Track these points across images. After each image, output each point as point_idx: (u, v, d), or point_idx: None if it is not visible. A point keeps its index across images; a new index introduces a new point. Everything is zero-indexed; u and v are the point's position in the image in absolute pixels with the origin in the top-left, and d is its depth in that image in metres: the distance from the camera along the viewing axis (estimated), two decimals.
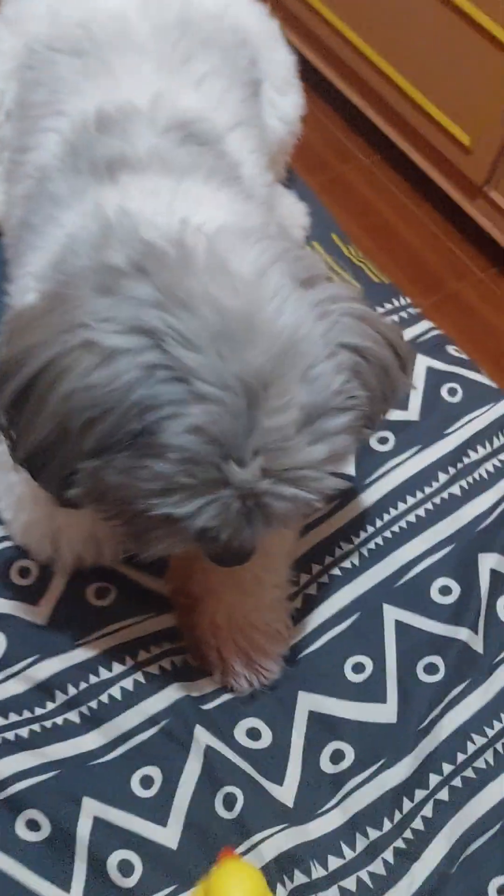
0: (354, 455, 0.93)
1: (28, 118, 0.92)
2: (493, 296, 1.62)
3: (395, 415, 0.97)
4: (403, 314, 1.09)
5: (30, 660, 0.80)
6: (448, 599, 0.88)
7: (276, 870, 0.72)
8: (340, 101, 1.75)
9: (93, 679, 0.80)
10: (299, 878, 0.73)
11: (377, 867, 0.75)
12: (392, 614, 0.87)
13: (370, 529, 0.91)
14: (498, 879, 0.75)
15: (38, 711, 0.78)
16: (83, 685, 0.79)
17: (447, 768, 0.80)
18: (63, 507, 0.70)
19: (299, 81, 1.08)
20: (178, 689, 0.80)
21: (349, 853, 0.76)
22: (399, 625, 0.86)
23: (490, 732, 0.81)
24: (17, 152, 0.93)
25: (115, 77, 0.87)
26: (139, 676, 0.80)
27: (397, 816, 0.78)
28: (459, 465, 0.95)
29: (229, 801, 0.75)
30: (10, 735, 0.76)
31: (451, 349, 1.06)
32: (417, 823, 0.78)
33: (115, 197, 0.73)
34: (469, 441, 0.97)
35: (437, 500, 0.93)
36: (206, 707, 0.80)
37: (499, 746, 0.81)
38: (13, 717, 0.78)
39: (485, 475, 0.95)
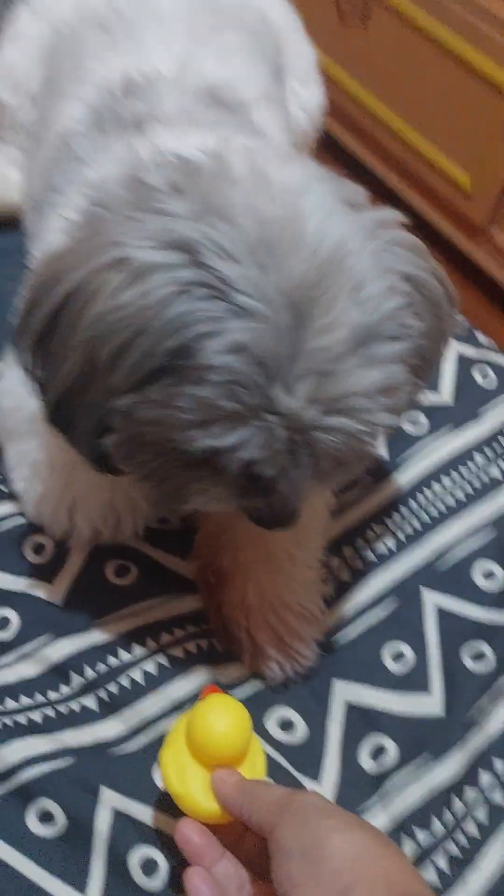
0: (385, 437, 0.89)
1: (50, 90, 0.90)
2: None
3: (427, 398, 0.93)
4: None
5: (43, 639, 0.73)
6: (492, 584, 0.82)
7: None
8: (337, 146, 1.76)
9: (112, 661, 0.73)
10: None
11: (429, 874, 0.67)
12: (432, 599, 0.81)
13: (405, 512, 0.86)
14: None
15: (52, 696, 0.71)
16: (102, 667, 0.72)
17: (500, 765, 0.73)
18: (96, 469, 0.64)
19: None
20: (205, 674, 0.73)
21: None
22: (440, 611, 0.80)
23: None
24: (39, 126, 0.92)
25: (140, 47, 0.85)
26: (162, 659, 0.73)
27: (448, 817, 0.70)
28: (496, 447, 0.90)
29: None
30: (21, 718, 0.69)
31: (481, 337, 1.02)
32: (471, 827, 0.70)
33: (145, 143, 0.70)
34: None
35: (475, 482, 0.88)
36: (235, 694, 0.73)
37: None
38: (25, 701, 0.70)
39: None
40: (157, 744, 0.68)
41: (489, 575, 0.82)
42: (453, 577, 0.82)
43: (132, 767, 0.68)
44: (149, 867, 0.64)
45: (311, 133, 1.08)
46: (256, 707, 0.73)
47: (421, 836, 0.69)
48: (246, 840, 0.60)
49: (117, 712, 0.71)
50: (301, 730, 0.73)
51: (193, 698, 0.72)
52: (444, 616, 0.80)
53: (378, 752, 0.72)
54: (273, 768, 0.69)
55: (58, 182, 0.78)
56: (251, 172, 0.56)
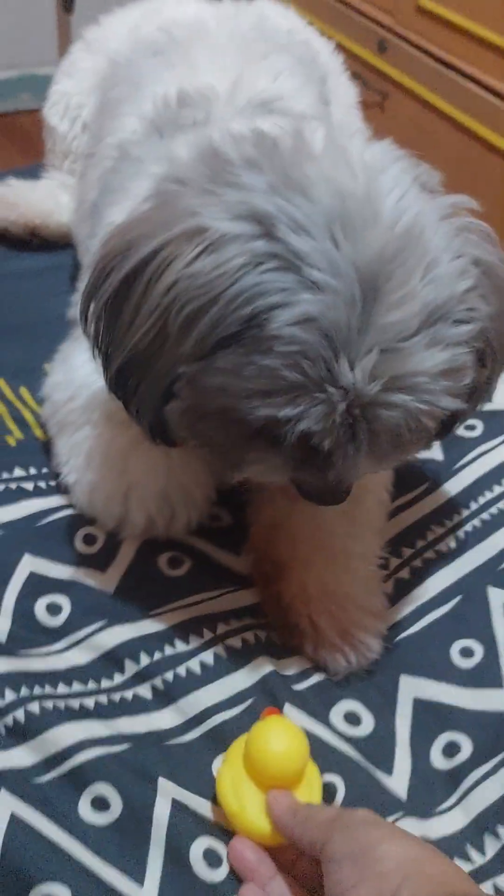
0: (441, 441, 0.87)
1: (106, 112, 0.93)
2: None
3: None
4: None
5: (96, 626, 0.70)
6: None
7: None
8: None
9: (168, 650, 0.69)
10: None
11: None
12: (499, 598, 0.77)
13: (465, 512, 0.83)
14: None
15: (106, 683, 0.67)
16: (157, 655, 0.69)
17: None
18: (151, 439, 0.64)
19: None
20: (265, 665, 0.69)
21: (478, 858, 0.62)
22: None
23: None
24: (92, 145, 0.94)
25: (194, 66, 0.88)
26: (220, 650, 0.70)
27: None
28: None
29: (328, 793, 0.63)
30: (73, 703, 0.65)
31: None
32: None
33: (213, 129, 0.71)
34: None
35: None
36: (296, 687, 0.69)
37: None
38: (77, 687, 0.66)
39: None
40: (214, 736, 0.65)
41: None
42: None
43: (189, 759, 0.64)
44: (212, 859, 0.58)
45: None
46: (320, 700, 0.69)
47: None
48: (299, 864, 0.58)
49: (173, 702, 0.66)
50: (368, 723, 0.68)
51: (253, 689, 0.68)
52: None
53: (451, 749, 0.67)
54: (342, 762, 0.65)
55: (117, 181, 0.80)
56: (331, 148, 0.57)
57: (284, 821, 0.58)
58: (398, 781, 0.65)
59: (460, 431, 0.89)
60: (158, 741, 0.64)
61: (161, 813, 0.60)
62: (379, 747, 0.67)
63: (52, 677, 0.67)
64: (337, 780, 0.64)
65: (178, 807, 0.60)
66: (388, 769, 0.66)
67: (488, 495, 0.84)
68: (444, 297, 0.55)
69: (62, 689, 0.66)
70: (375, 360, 0.52)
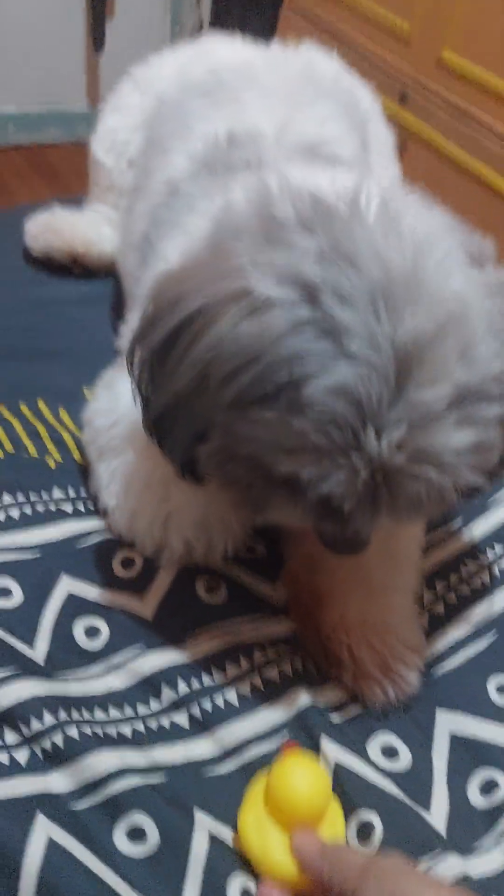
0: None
1: (154, 149, 0.96)
2: None
3: None
4: None
5: (134, 651, 0.70)
6: None
7: None
8: None
9: (206, 679, 0.69)
10: None
11: None
12: None
13: (498, 548, 0.84)
14: None
15: (142, 710, 0.67)
16: (195, 684, 0.69)
17: None
18: (179, 475, 0.65)
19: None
20: (301, 697, 0.69)
21: None
22: None
23: None
24: (140, 180, 0.97)
25: (242, 107, 0.91)
26: (256, 681, 0.70)
27: None
28: None
29: (364, 832, 0.63)
30: (111, 730, 0.65)
31: None
32: None
33: (270, 175, 0.72)
34: None
35: None
36: (333, 719, 0.69)
37: None
38: (114, 714, 0.66)
39: None
40: (251, 769, 0.65)
41: None
42: None
43: (226, 791, 0.63)
44: None
45: None
46: (357, 732, 0.69)
47: None
48: None
49: (209, 732, 0.66)
50: (405, 758, 0.68)
51: (290, 722, 0.68)
52: None
53: (489, 787, 0.67)
54: (380, 798, 0.64)
55: (170, 216, 0.82)
56: (383, 218, 0.57)
57: (313, 862, 0.57)
58: (437, 818, 0.65)
59: None
60: (195, 771, 0.64)
61: (199, 847, 0.60)
62: (416, 782, 0.67)
63: (90, 702, 0.67)
64: (374, 818, 0.63)
65: (215, 842, 0.60)
66: (426, 805, 0.65)
67: None
68: (479, 378, 0.55)
69: (99, 714, 0.66)
70: (403, 433, 0.53)
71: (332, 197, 0.59)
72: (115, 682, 0.69)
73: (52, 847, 0.58)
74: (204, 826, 0.61)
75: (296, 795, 0.59)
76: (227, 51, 1.02)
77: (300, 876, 0.58)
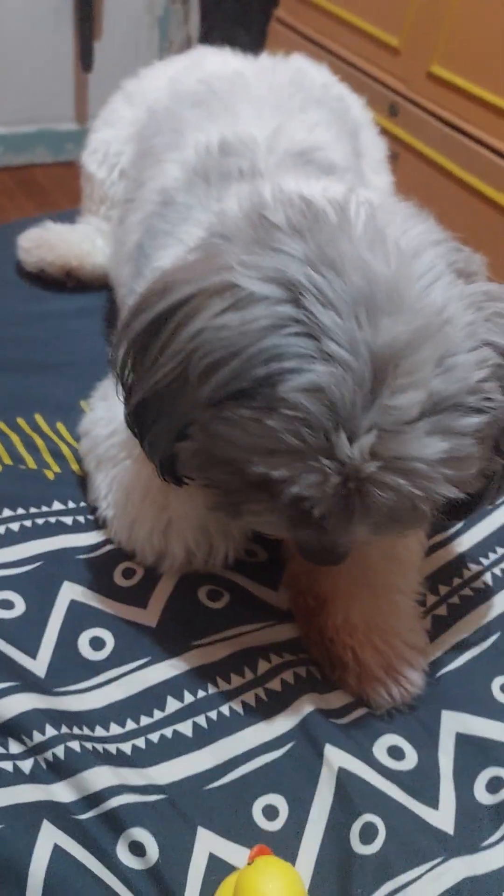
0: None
1: (146, 160, 0.96)
2: None
3: None
4: None
5: (139, 662, 0.70)
6: None
7: None
8: None
9: (211, 689, 0.69)
10: None
11: None
12: None
13: (500, 550, 0.84)
14: None
15: (145, 721, 0.67)
16: (201, 693, 0.68)
17: None
18: (163, 478, 0.65)
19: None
20: (305, 705, 0.69)
21: None
22: None
23: None
24: (132, 188, 0.97)
25: (234, 116, 0.91)
26: (260, 691, 0.70)
27: None
28: None
29: (368, 834, 0.62)
30: (110, 747, 0.65)
31: None
32: None
33: (264, 185, 0.72)
34: None
35: None
36: (338, 722, 0.68)
37: None
38: (115, 730, 0.66)
39: None
40: (256, 779, 0.65)
41: None
42: None
43: (228, 805, 0.63)
44: None
45: None
46: (364, 734, 0.68)
47: None
48: None
49: (214, 742, 0.66)
50: (412, 758, 0.68)
51: (294, 732, 0.67)
52: None
53: (496, 785, 0.67)
54: (383, 802, 0.64)
55: (163, 226, 0.82)
56: (370, 229, 0.57)
57: None
58: (444, 815, 0.65)
59: None
60: (196, 787, 0.64)
61: (199, 861, 0.59)
62: (423, 781, 0.66)
63: (90, 717, 0.66)
64: (377, 821, 0.63)
65: (214, 860, 0.60)
66: (434, 803, 0.65)
67: None
68: (455, 388, 0.55)
69: (99, 731, 0.66)
70: (374, 439, 0.53)
71: (323, 204, 0.59)
72: (116, 692, 0.68)
73: (58, 853, 0.58)
74: (206, 842, 0.61)
75: None
76: (218, 61, 1.03)
77: None
